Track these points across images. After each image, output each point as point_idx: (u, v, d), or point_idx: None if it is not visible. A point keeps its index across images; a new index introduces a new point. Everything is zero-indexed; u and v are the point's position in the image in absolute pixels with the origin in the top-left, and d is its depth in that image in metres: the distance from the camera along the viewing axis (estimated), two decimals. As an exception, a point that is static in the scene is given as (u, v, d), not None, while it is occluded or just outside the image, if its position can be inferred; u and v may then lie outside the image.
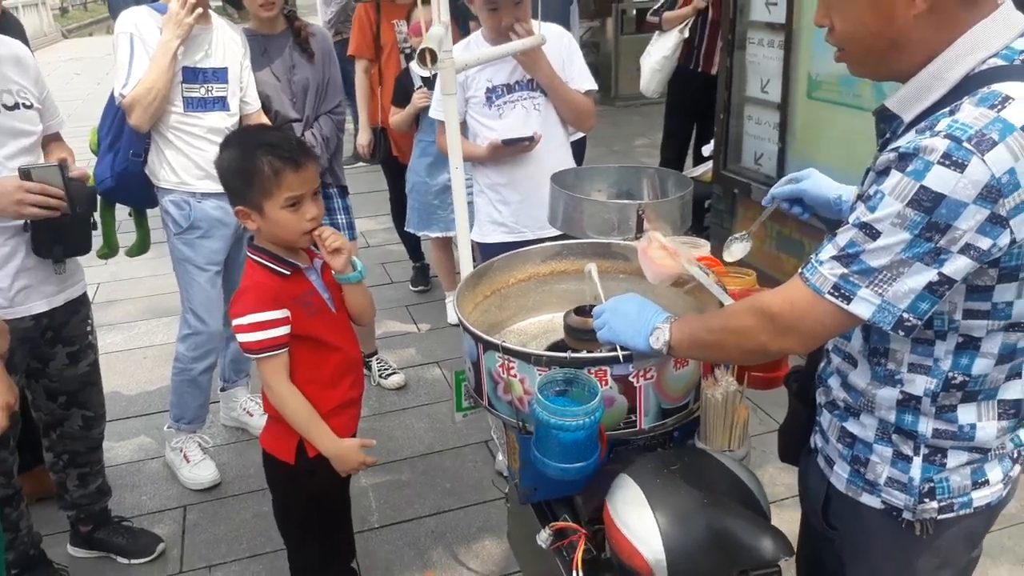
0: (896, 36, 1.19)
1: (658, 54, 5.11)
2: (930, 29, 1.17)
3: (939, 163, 1.07)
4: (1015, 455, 1.33)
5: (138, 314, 4.62)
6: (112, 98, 2.78)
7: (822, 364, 1.46)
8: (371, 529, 2.80)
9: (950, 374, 1.24)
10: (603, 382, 1.54)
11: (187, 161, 2.80)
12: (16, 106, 2.16)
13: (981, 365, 1.23)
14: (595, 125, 2.99)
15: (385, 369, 3.75)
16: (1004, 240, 1.09)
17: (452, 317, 4.21)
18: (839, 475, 1.39)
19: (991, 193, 1.06)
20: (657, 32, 5.15)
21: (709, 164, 4.69)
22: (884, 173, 1.14)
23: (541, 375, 1.56)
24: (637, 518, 1.42)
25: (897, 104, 1.24)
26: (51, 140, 2.39)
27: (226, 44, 2.84)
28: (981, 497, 1.30)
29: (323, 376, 1.93)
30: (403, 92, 3.82)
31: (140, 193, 2.90)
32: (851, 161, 3.35)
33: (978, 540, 1.39)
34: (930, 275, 1.12)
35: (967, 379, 1.24)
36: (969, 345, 1.23)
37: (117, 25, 2.76)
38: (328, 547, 2.15)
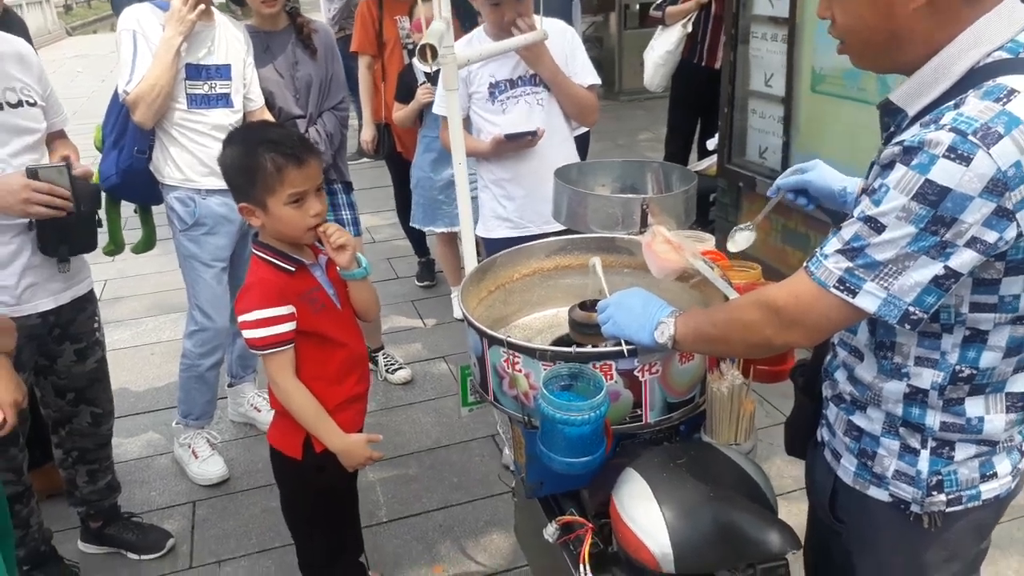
0: (895, 29, 1.18)
1: (661, 48, 5.10)
2: (930, 23, 1.16)
3: (944, 157, 1.07)
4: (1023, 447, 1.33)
5: (145, 310, 4.63)
6: (116, 95, 2.78)
7: (828, 357, 1.46)
8: (379, 524, 2.81)
9: (957, 367, 1.24)
10: (608, 376, 1.55)
11: (191, 158, 2.80)
12: (20, 103, 2.16)
13: (988, 358, 1.23)
14: (599, 120, 2.99)
15: (391, 364, 3.76)
16: (1011, 233, 1.09)
17: (458, 312, 4.21)
18: (846, 468, 1.39)
19: (997, 186, 1.06)
20: (660, 27, 5.14)
21: (713, 158, 4.68)
22: (889, 167, 1.14)
23: (546, 370, 1.56)
24: (643, 512, 1.43)
25: (901, 98, 1.23)
26: (55, 137, 2.39)
27: (229, 41, 2.84)
28: (990, 490, 1.30)
29: (329, 372, 1.94)
30: (406, 88, 3.82)
31: (145, 190, 2.91)
32: (855, 154, 3.34)
33: (987, 532, 1.39)
34: (936, 269, 1.11)
35: (974, 372, 1.24)
36: (976, 338, 1.22)
37: (120, 22, 2.76)
38: (335, 542, 2.16)
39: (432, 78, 3.57)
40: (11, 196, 2.04)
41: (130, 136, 2.81)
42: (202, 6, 2.68)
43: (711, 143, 4.87)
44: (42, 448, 2.66)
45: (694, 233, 2.11)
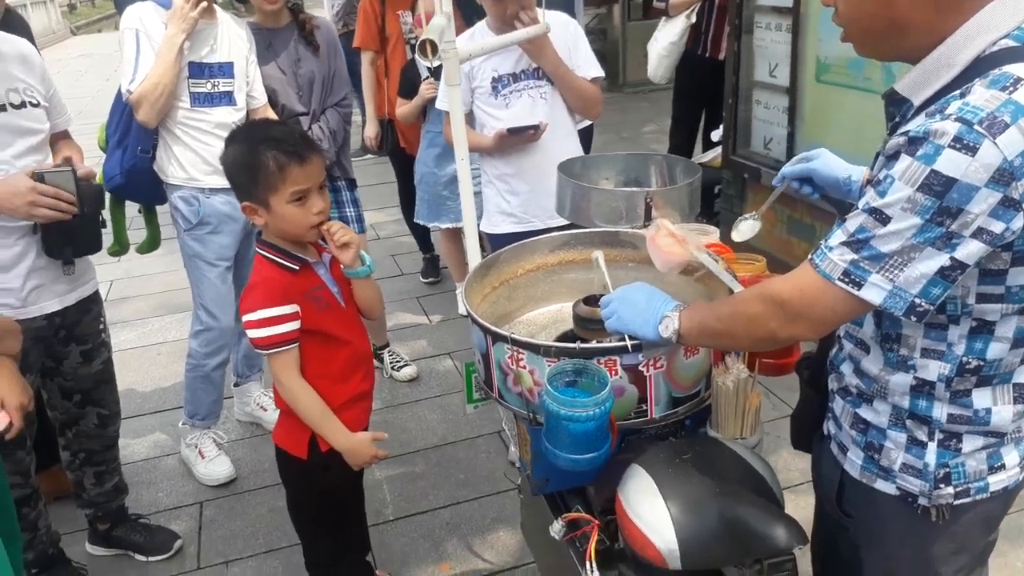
0: (895, 17, 1.17)
1: (665, 40, 5.06)
2: (930, 11, 1.15)
3: (950, 147, 1.06)
4: (1032, 439, 1.32)
5: (151, 311, 4.64)
6: (119, 95, 2.78)
7: (834, 350, 1.45)
8: (386, 522, 2.81)
9: (964, 359, 1.23)
10: (613, 372, 1.54)
11: (195, 157, 2.80)
12: (23, 104, 2.16)
13: (996, 349, 1.22)
14: (603, 112, 2.97)
15: (397, 361, 3.76)
16: (1017, 223, 1.08)
17: (463, 308, 4.21)
18: (853, 462, 1.38)
19: (1003, 176, 1.05)
20: (664, 18, 5.10)
21: (718, 150, 4.66)
22: (894, 157, 1.13)
23: (550, 366, 1.55)
24: (649, 508, 1.42)
25: (906, 87, 1.22)
26: (59, 138, 2.39)
27: (231, 39, 2.84)
28: (998, 481, 1.29)
29: (333, 370, 1.94)
30: (409, 83, 3.81)
31: (149, 190, 2.91)
32: (861, 144, 3.32)
33: (995, 524, 1.38)
34: (942, 260, 1.10)
35: (982, 363, 1.23)
36: (983, 329, 1.21)
37: (122, 21, 2.76)
38: (341, 541, 2.16)
39: (435, 73, 3.56)
40: (17, 198, 2.04)
41: (134, 136, 2.81)
42: (204, 3, 2.67)
43: (715, 134, 4.84)
44: (49, 450, 2.66)
45: (699, 226, 2.09)
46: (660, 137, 6.68)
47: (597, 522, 1.59)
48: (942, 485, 1.28)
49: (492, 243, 2.89)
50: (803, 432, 1.58)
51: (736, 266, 1.83)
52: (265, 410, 3.37)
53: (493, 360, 1.68)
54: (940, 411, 1.26)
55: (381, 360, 3.72)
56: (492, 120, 2.74)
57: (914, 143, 1.10)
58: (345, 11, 6.34)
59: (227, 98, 2.82)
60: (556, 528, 1.65)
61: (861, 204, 1.16)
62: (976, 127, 1.05)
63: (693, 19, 4.94)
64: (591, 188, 2.20)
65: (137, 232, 3.11)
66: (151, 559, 2.69)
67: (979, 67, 1.13)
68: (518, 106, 2.71)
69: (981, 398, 1.25)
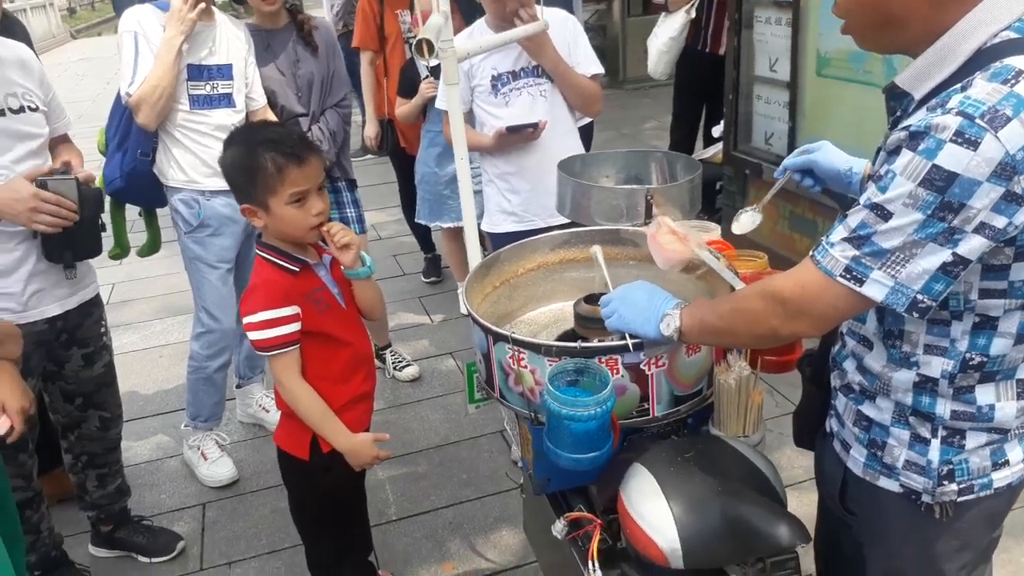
0: (892, 10, 1.16)
1: (665, 35, 5.05)
2: (926, 6, 1.14)
3: (951, 141, 1.05)
4: (1035, 434, 1.31)
5: (153, 313, 4.64)
6: (119, 98, 2.78)
7: (836, 347, 1.45)
8: (389, 522, 2.81)
9: (967, 355, 1.22)
10: (614, 371, 1.53)
11: (195, 159, 2.80)
12: (22, 109, 2.16)
13: (999, 345, 1.21)
14: (603, 109, 2.96)
15: (399, 361, 3.75)
16: (1020, 218, 1.07)
17: (464, 308, 4.20)
18: (856, 459, 1.37)
19: (1005, 170, 1.04)
20: (664, 13, 5.09)
21: (719, 145, 4.65)
22: (895, 152, 1.12)
23: (551, 365, 1.54)
24: (651, 507, 1.42)
25: (907, 81, 1.21)
26: (59, 142, 2.39)
27: (230, 40, 2.83)
28: (1001, 478, 1.29)
29: (334, 372, 1.93)
30: (409, 83, 3.80)
31: (149, 193, 2.90)
32: (862, 138, 3.30)
33: (999, 520, 1.37)
34: (944, 255, 1.09)
35: (985, 359, 1.22)
36: (986, 325, 1.21)
37: (121, 24, 2.75)
38: (342, 542, 2.16)
39: (435, 72, 3.55)
40: (19, 204, 2.04)
41: (133, 139, 2.81)
42: (202, 5, 2.67)
43: (716, 130, 4.84)
44: (51, 453, 2.66)
45: (700, 223, 2.09)
46: (661, 133, 6.67)
47: (599, 521, 1.59)
48: (945, 482, 1.27)
49: (493, 242, 2.88)
50: (806, 430, 1.58)
51: (738, 263, 1.82)
52: (267, 411, 3.37)
53: (494, 360, 1.67)
54: (943, 408, 1.26)
55: (383, 360, 3.71)
56: (492, 119, 2.73)
57: (915, 138, 1.09)
58: (344, 11, 6.33)
59: (226, 100, 2.81)
60: (558, 527, 1.65)
61: (862, 200, 1.16)
62: (978, 121, 1.04)
63: (693, 14, 4.92)
64: (591, 186, 2.19)
65: (138, 235, 3.11)
66: (154, 560, 2.69)
67: (980, 60, 1.12)
68: (518, 104, 2.70)
69: (984, 394, 1.24)
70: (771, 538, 1.36)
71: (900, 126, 1.14)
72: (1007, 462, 1.28)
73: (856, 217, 1.15)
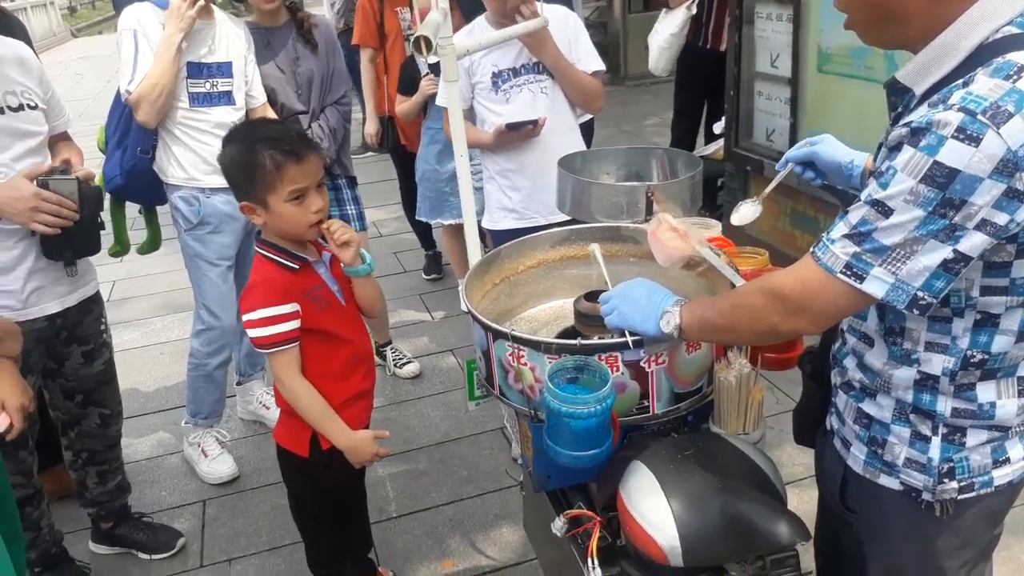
0: (893, 6, 1.16)
1: (666, 32, 5.04)
2: (926, 1, 1.13)
3: (953, 137, 1.04)
4: (1036, 432, 1.31)
5: (154, 310, 4.64)
6: (118, 96, 2.78)
7: (837, 344, 1.44)
8: (389, 519, 2.81)
9: (968, 352, 1.22)
10: (614, 368, 1.53)
11: (195, 157, 2.79)
12: (21, 107, 2.15)
13: (1000, 342, 1.21)
14: (604, 106, 2.95)
15: (400, 358, 3.75)
16: (1022, 215, 1.07)
17: (464, 305, 4.20)
18: (856, 457, 1.37)
19: (1007, 167, 1.03)
20: (664, 9, 5.08)
21: (721, 142, 4.64)
22: (896, 149, 1.11)
23: (551, 363, 1.54)
24: (651, 505, 1.41)
25: (908, 76, 1.21)
26: (59, 140, 2.39)
27: (229, 38, 2.83)
28: (1002, 475, 1.28)
29: (334, 369, 1.93)
30: (409, 80, 3.80)
31: (149, 190, 2.90)
32: (863, 134, 3.29)
33: (1000, 518, 1.37)
34: (945, 252, 1.09)
35: (986, 357, 1.22)
36: (987, 322, 1.20)
37: (120, 22, 2.75)
38: (342, 539, 2.16)
39: (435, 69, 3.54)
40: (20, 203, 2.03)
41: (133, 136, 2.81)
42: (202, 2, 2.66)
43: (718, 127, 4.82)
44: (52, 450, 2.66)
45: (701, 220, 2.08)
46: (662, 130, 6.66)
47: (599, 519, 1.58)
48: (946, 480, 1.27)
49: (494, 239, 2.88)
50: (806, 427, 1.57)
51: (738, 260, 1.82)
52: (268, 408, 3.37)
53: (494, 357, 1.67)
54: (944, 405, 1.25)
55: (384, 357, 3.71)
56: (492, 116, 2.73)
57: (916, 134, 1.08)
58: (345, 8, 6.31)
59: (226, 98, 2.81)
60: (558, 525, 1.65)
61: (863, 196, 1.15)
62: (979, 117, 1.03)
63: (694, 10, 4.91)
64: (592, 183, 2.19)
65: (138, 233, 3.10)
66: (154, 557, 2.70)
67: (982, 55, 1.11)
68: (519, 101, 2.69)
69: (985, 392, 1.24)
70: (771, 536, 1.36)
71: (901, 122, 1.13)
72: (1008, 460, 1.28)
73: (857, 213, 1.15)
